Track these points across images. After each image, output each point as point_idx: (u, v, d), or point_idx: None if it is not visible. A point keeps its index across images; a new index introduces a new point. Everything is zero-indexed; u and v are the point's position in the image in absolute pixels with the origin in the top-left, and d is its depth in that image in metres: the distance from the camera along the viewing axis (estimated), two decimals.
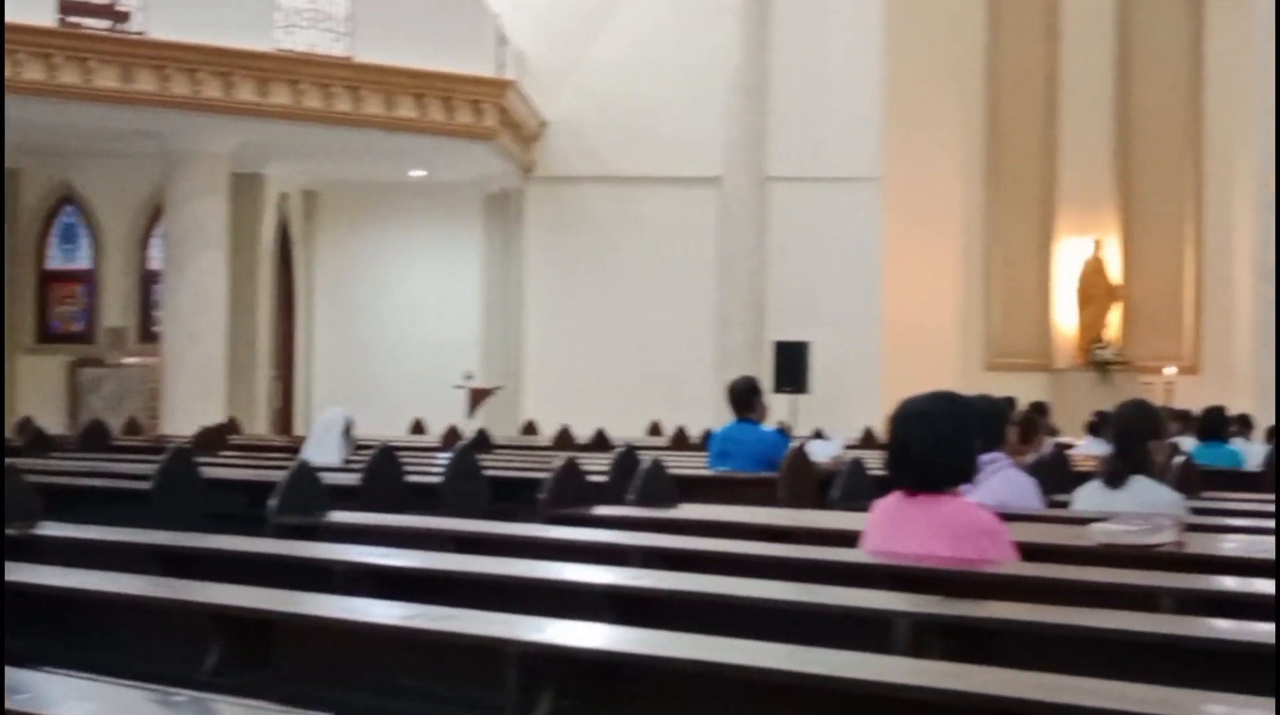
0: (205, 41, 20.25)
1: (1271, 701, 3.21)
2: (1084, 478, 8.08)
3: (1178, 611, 4.75)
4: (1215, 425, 13.82)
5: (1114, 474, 7.42)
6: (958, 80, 28.03)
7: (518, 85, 24.20)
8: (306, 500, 7.49)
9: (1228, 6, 27.45)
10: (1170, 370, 27.78)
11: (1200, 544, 6.18)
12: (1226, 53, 27.50)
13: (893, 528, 5.47)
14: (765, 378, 23.41)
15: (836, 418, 21.39)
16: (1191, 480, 9.37)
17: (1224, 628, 4.34)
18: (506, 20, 24.41)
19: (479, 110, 22.89)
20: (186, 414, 20.79)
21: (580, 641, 3.97)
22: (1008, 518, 6.34)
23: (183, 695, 3.18)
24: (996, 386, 20.60)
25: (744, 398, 11.92)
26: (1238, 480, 12.06)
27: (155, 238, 24.76)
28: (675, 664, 3.79)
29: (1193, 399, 21.96)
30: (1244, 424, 16.98)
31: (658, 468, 8.11)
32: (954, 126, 28.04)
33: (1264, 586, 5.20)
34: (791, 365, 24.68)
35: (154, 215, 24.61)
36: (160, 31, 20.22)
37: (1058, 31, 28.71)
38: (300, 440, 14.49)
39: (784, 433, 14.84)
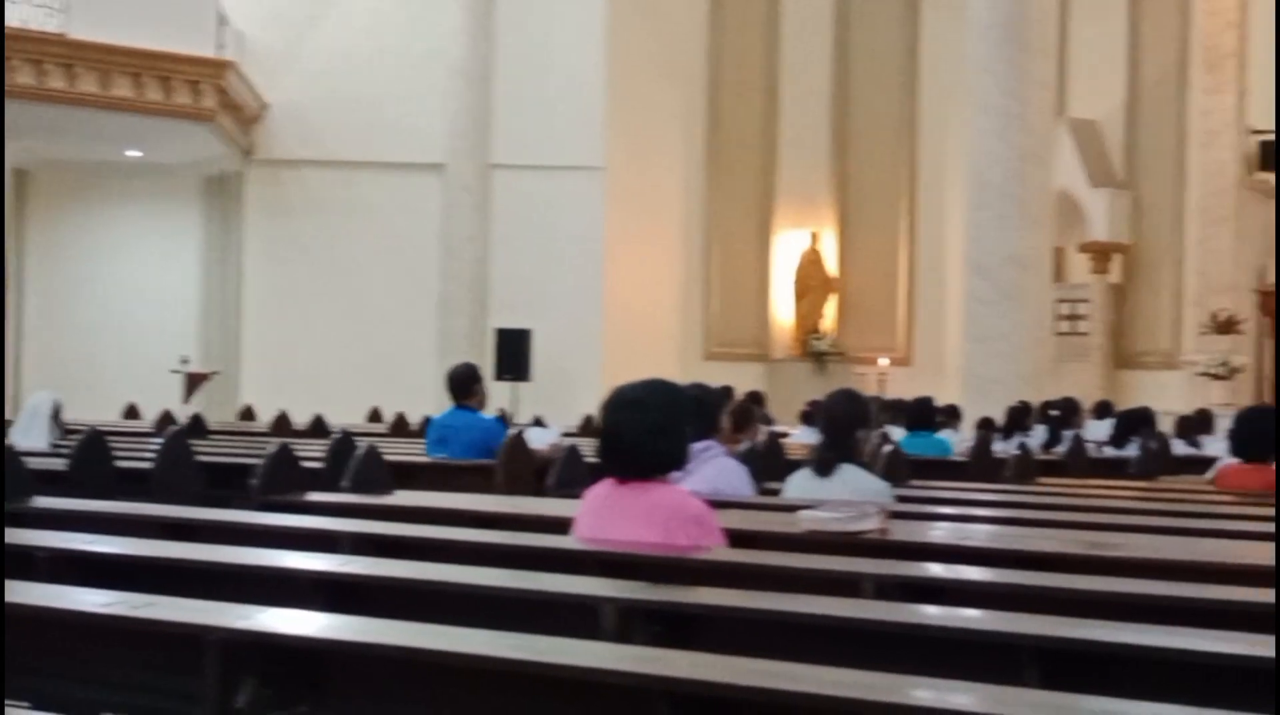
0: None
1: (974, 685, 3.29)
2: (796, 466, 8.21)
3: (878, 597, 4.85)
4: (923, 415, 14.16)
5: (823, 462, 7.55)
6: (681, 72, 28.28)
7: (238, 67, 23.82)
8: (10, 485, 7.29)
9: (941, 8, 28.10)
10: (884, 361, 28.39)
11: (905, 531, 6.32)
12: (940, 53, 28.17)
13: (604, 515, 5.50)
14: (487, 365, 23.42)
15: (558, 405, 21.48)
16: (899, 469, 9.60)
17: (930, 613, 4.44)
18: (227, 1, 24.02)
19: (197, 91, 22.51)
20: None
21: (283, 628, 3.92)
22: (719, 505, 6.42)
23: None
24: (715, 375, 20.85)
25: (463, 384, 11.89)
26: (945, 469, 12.39)
27: None
28: (379, 650, 3.77)
29: (905, 389, 22.47)
30: (952, 414, 17.41)
31: (372, 454, 8.05)
32: (676, 118, 28.29)
33: (972, 573, 5.34)
34: (513, 352, 24.72)
35: None
36: None
37: (778, 27, 29.14)
38: (7, 424, 14.10)
39: (503, 420, 14.86)
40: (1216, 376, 25.00)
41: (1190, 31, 27.06)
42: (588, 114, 25.76)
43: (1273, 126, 27.44)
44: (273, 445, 8.00)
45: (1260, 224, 28.03)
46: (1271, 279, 26.94)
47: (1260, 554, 6.05)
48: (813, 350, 28.71)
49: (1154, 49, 27.69)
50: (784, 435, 15.01)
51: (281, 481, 7.71)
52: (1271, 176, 28.05)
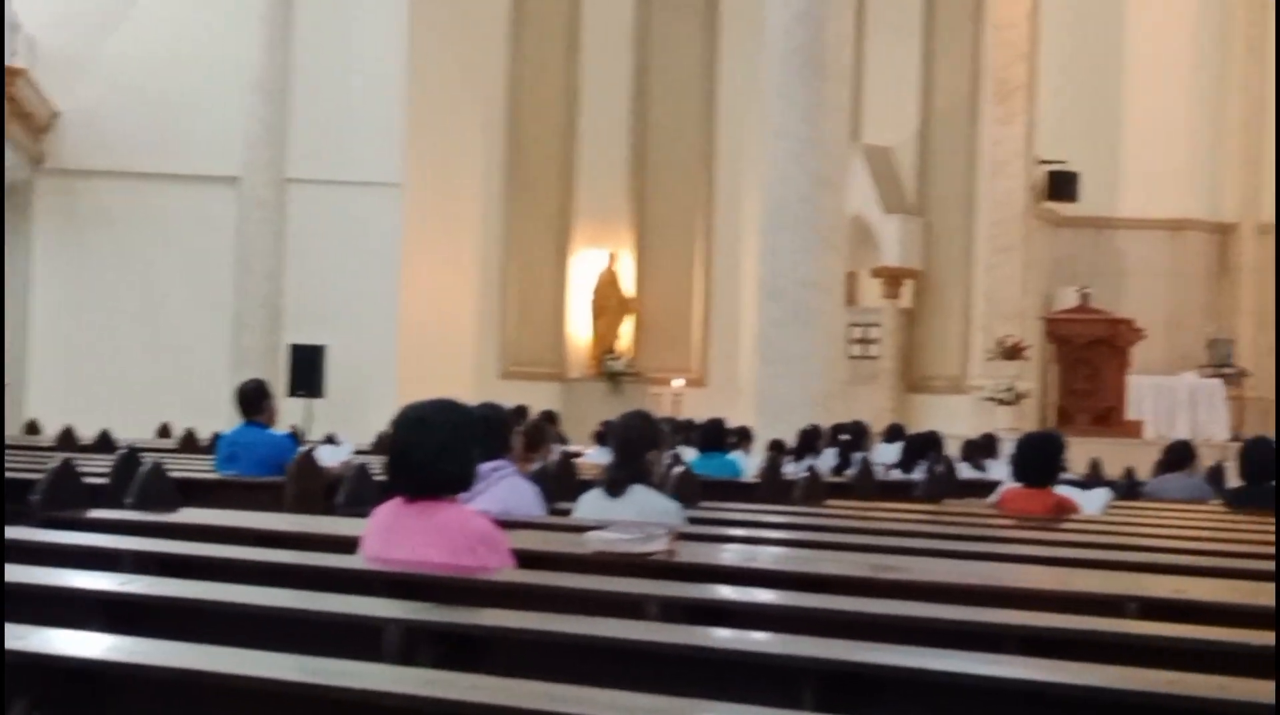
0: None
1: (757, 709, 3.33)
2: (589, 486, 8.23)
3: (663, 619, 4.88)
4: (715, 436, 14.28)
5: (614, 482, 7.59)
6: (481, 90, 28.22)
7: (28, 74, 23.36)
8: None
9: (740, 29, 28.32)
10: (679, 382, 28.54)
11: (693, 553, 6.37)
12: (738, 77, 28.41)
13: (391, 534, 5.48)
14: (281, 381, 23.19)
15: (353, 422, 21.30)
16: (690, 490, 9.65)
17: (712, 636, 4.48)
18: (18, 5, 23.55)
19: None
20: None
21: (60, 649, 3.86)
22: (509, 525, 6.42)
23: None
24: (512, 394, 20.83)
25: (252, 400, 11.78)
26: (735, 490, 12.49)
27: None
28: (159, 672, 3.72)
29: (700, 410, 22.59)
30: (744, 436, 17.55)
31: (158, 470, 7.94)
32: (476, 136, 28.22)
33: (757, 596, 5.40)
34: (307, 368, 24.50)
35: None
36: None
37: (578, 47, 29.20)
38: None
39: (294, 436, 14.71)
40: (1002, 401, 25.48)
41: (981, 63, 27.60)
42: (386, 130, 25.64)
43: (1060, 156, 28.11)
44: (55, 460, 7.86)
45: (1046, 251, 28.68)
46: (1056, 307, 27.54)
47: (1038, 578, 6.19)
48: (609, 370, 28.79)
49: (947, 78, 28.20)
50: (577, 455, 15.03)
51: (64, 497, 7.57)
52: (1057, 205, 28.72)
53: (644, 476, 7.60)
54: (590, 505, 7.75)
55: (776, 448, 16.09)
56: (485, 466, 6.95)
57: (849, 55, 22.58)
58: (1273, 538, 8.94)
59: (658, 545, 5.97)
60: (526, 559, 5.79)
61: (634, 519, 7.03)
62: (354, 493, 8.58)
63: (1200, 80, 29.18)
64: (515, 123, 28.76)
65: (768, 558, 6.77)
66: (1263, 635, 4.48)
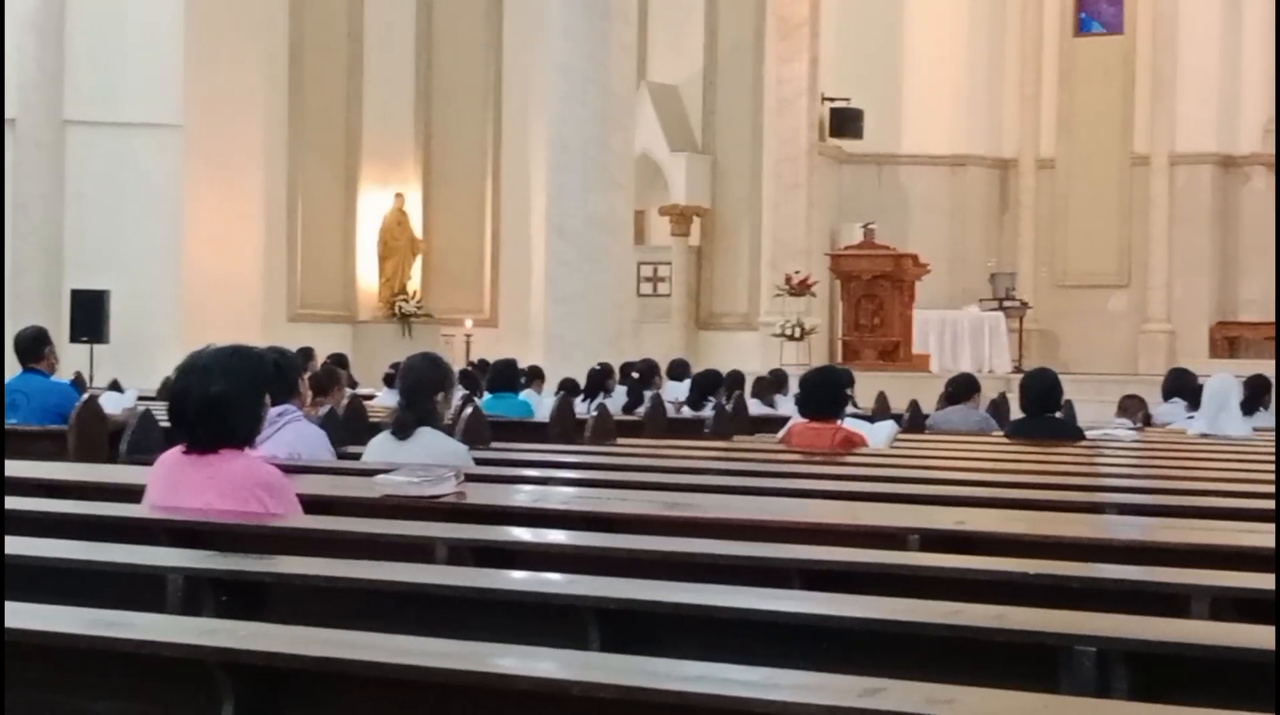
0: None
1: (556, 651, 3.34)
2: (378, 429, 8.19)
3: (450, 561, 4.87)
4: (506, 377, 14.26)
5: (401, 425, 7.56)
6: (262, 28, 27.74)
7: None
8: None
9: None
10: (470, 323, 28.45)
11: (482, 494, 6.36)
12: (523, 11, 28.23)
13: (175, 483, 5.40)
14: (63, 327, 22.71)
15: (138, 368, 20.94)
16: (479, 431, 9.63)
17: (499, 577, 4.47)
18: None
19: None
20: None
21: None
22: (298, 470, 6.37)
23: None
24: (301, 337, 20.65)
25: (31, 347, 11.52)
26: (527, 431, 12.48)
27: None
28: None
29: (491, 351, 22.56)
30: (535, 376, 17.56)
31: None
32: (258, 75, 27.75)
33: (546, 536, 5.41)
34: (90, 314, 23.99)
35: None
36: None
37: None
38: None
39: (77, 383, 14.45)
40: (791, 337, 25.76)
41: (765, 0, 27.74)
42: (165, 70, 25.14)
43: (843, 94, 28.39)
44: None
45: (831, 188, 29.00)
46: (841, 243, 27.86)
47: (824, 512, 6.27)
48: (399, 312, 28.61)
49: (731, 16, 28.32)
50: (368, 398, 14.95)
51: None
52: (842, 143, 29.03)
53: (432, 419, 7.58)
54: (378, 449, 7.71)
55: (567, 387, 16.10)
56: (272, 411, 6.87)
57: None
58: (1051, 466, 9.16)
59: (445, 487, 5.96)
60: (313, 504, 5.75)
61: (422, 462, 7.00)
62: (138, 441, 8.43)
63: (978, 16, 29.63)
64: (298, 61, 28.33)
65: (558, 498, 6.79)
66: (1039, 564, 4.58)
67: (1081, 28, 29.93)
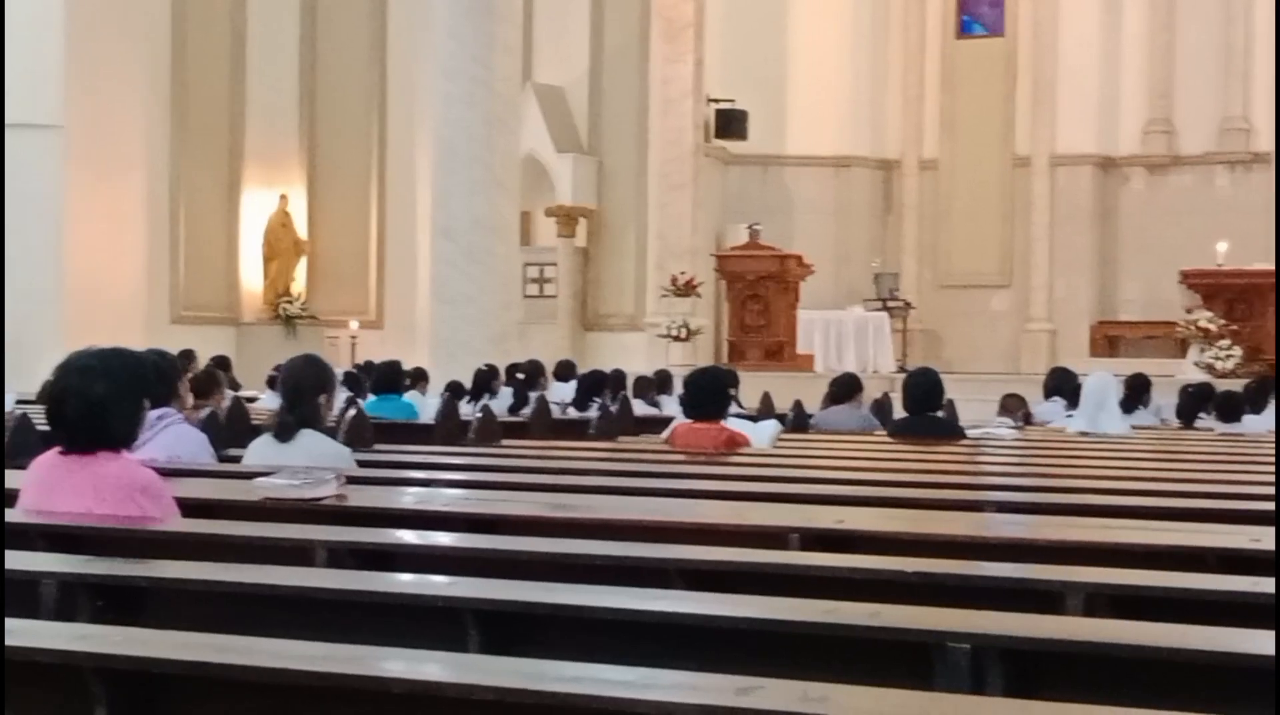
0: None
1: (442, 654, 3.33)
2: (262, 432, 8.13)
3: (330, 564, 4.85)
4: (390, 379, 14.20)
5: (283, 428, 7.50)
6: (143, 26, 27.44)
7: None
8: None
9: None
10: (355, 324, 28.31)
11: (364, 497, 6.33)
12: (409, 11, 28.12)
13: (51, 486, 5.34)
14: None
15: (18, 372, 20.67)
16: (363, 433, 9.59)
17: (384, 580, 4.47)
18: None
19: None
20: None
21: None
22: (177, 473, 6.32)
23: None
24: (184, 340, 20.48)
25: None
26: (411, 432, 12.44)
27: None
28: None
29: (377, 353, 22.45)
30: (419, 377, 17.50)
31: None
32: (140, 76, 27.44)
33: (428, 538, 5.40)
34: None
35: None
36: None
37: None
38: None
39: None
40: (677, 338, 25.81)
41: (651, 1, 27.78)
42: (45, 70, 24.83)
43: (728, 95, 28.50)
44: None
45: (717, 189, 29.10)
46: (727, 243, 27.95)
47: (708, 512, 6.30)
48: (284, 313, 28.42)
49: (616, 18, 28.34)
50: (251, 400, 14.84)
51: None
52: (727, 143, 29.14)
53: (314, 421, 7.53)
54: (259, 451, 7.65)
55: (453, 389, 16.06)
56: (151, 414, 6.81)
57: None
58: (932, 465, 9.24)
59: (326, 490, 5.93)
60: (192, 507, 5.71)
61: (304, 464, 6.96)
62: (15, 443, 8.34)
63: (862, 18, 29.83)
64: (180, 62, 28.07)
65: (441, 500, 6.77)
66: (917, 562, 4.62)
67: (963, 29, 30.19)
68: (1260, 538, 5.19)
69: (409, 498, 6.72)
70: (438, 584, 4.25)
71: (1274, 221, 25.01)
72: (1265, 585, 4.24)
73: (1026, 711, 3.04)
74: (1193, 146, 28.95)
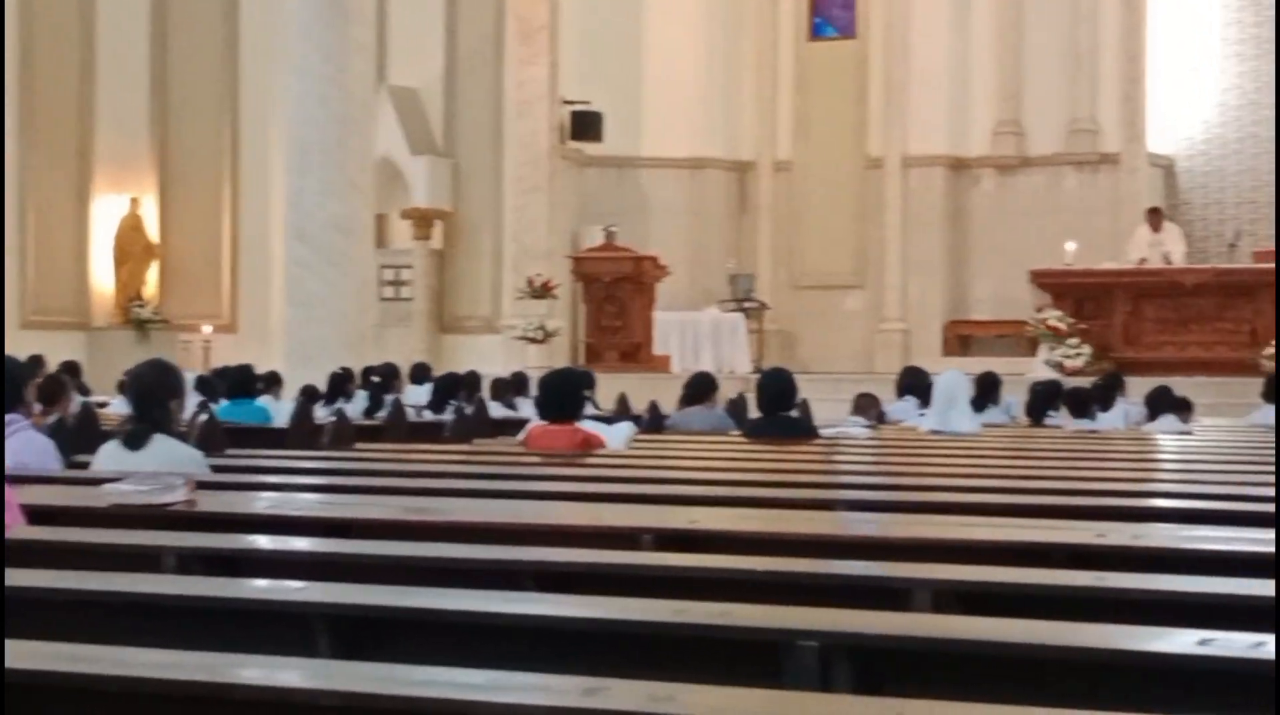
0: None
1: (301, 660, 3.30)
2: (111, 437, 8.05)
3: (180, 570, 4.81)
4: (243, 383, 14.09)
5: (133, 433, 7.43)
6: None
7: None
8: None
9: None
10: (208, 329, 28.05)
11: (216, 502, 6.29)
12: (261, 12, 27.90)
13: None
14: None
15: None
16: (215, 438, 9.53)
17: (233, 586, 4.44)
18: None
19: None
20: None
21: None
22: (23, 480, 6.24)
23: None
24: (34, 345, 20.15)
25: None
26: (265, 437, 12.36)
27: None
28: None
29: (231, 357, 22.26)
30: (273, 381, 17.36)
31: None
32: None
33: (279, 543, 5.36)
34: None
35: None
36: None
37: None
38: None
39: None
40: (533, 340, 25.79)
41: (505, 2, 27.75)
42: None
43: (583, 97, 28.53)
44: None
45: (572, 191, 29.09)
46: (583, 245, 27.96)
47: (562, 514, 6.31)
48: (135, 318, 28.08)
49: (470, 19, 28.28)
50: (102, 406, 14.67)
51: None
52: (582, 145, 29.16)
53: (165, 426, 7.46)
54: (109, 457, 7.57)
55: (307, 392, 15.96)
56: None
57: None
58: (786, 465, 9.31)
59: (176, 495, 5.88)
60: (38, 514, 5.64)
61: (155, 470, 6.90)
62: None
63: (715, 20, 29.96)
64: (28, 64, 27.64)
65: (295, 504, 6.73)
66: (768, 561, 4.66)
67: (816, 32, 30.38)
68: (1105, 533, 5.28)
69: (261, 502, 6.68)
70: (288, 589, 4.22)
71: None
72: (1109, 580, 4.32)
73: (870, 708, 3.07)
74: (1042, 147, 29.36)
